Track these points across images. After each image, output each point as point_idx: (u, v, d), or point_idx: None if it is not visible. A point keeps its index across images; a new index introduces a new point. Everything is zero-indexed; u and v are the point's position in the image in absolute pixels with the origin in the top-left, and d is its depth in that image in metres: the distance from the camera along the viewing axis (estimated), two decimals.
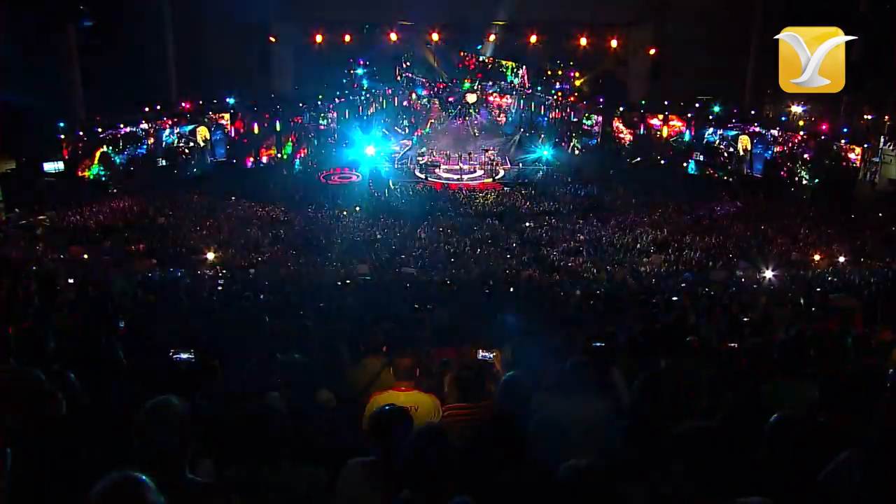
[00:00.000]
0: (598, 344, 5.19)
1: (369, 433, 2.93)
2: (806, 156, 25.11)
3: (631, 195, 27.36)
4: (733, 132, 27.32)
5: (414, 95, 33.37)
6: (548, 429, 2.95)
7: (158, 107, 26.66)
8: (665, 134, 29.35)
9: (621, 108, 30.31)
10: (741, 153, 27.20)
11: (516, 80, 32.99)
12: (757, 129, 26.66)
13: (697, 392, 4.08)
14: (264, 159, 29.64)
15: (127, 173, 25.33)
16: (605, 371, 4.45)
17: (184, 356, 4.13)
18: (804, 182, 25.16)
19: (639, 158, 29.81)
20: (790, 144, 25.56)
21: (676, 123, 29.05)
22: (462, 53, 32.23)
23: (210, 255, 18.07)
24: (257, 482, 2.63)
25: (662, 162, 29.40)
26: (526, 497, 2.47)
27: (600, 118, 31.02)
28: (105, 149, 24.72)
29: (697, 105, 28.39)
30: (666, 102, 29.08)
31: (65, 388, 3.91)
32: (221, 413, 3.49)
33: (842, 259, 18.11)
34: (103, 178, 24.55)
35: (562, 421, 3.01)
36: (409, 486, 2.37)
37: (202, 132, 27.50)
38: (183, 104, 27.41)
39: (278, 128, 29.61)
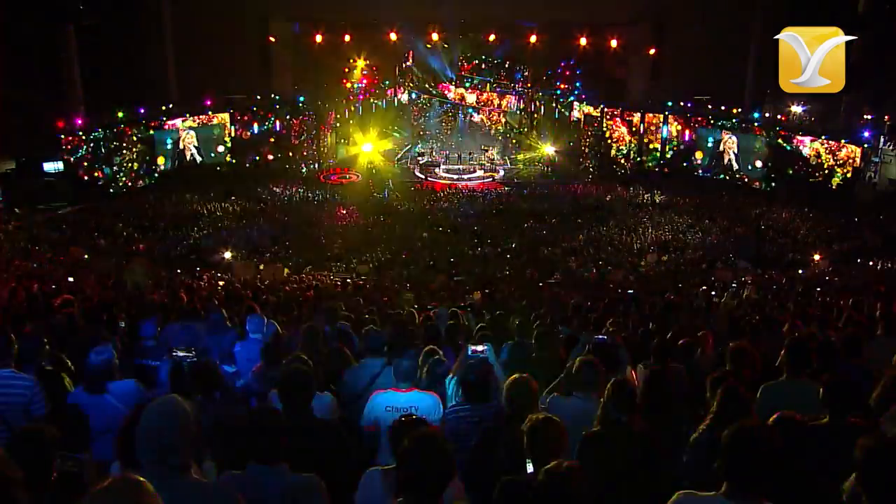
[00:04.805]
0: (600, 345, 5.16)
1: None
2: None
3: (631, 195, 27.34)
4: (730, 133, 27.30)
5: (413, 95, 33.33)
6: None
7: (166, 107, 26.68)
8: (665, 134, 29.32)
9: (621, 108, 30.29)
10: (734, 154, 27.25)
11: (516, 78, 32.92)
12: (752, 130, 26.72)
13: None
14: (265, 159, 29.56)
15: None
16: (607, 371, 4.43)
17: (181, 354, 4.08)
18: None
19: (639, 158, 29.81)
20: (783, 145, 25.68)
21: (676, 124, 29.01)
22: (461, 54, 32.17)
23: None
24: (257, 483, 2.63)
25: (663, 162, 29.40)
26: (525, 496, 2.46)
27: (600, 118, 30.95)
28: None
29: (697, 105, 28.35)
30: (667, 103, 29.06)
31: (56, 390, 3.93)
32: (223, 414, 3.48)
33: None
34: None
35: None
36: (407, 492, 2.33)
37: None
38: (183, 104, 27.36)
39: (278, 127, 29.56)
